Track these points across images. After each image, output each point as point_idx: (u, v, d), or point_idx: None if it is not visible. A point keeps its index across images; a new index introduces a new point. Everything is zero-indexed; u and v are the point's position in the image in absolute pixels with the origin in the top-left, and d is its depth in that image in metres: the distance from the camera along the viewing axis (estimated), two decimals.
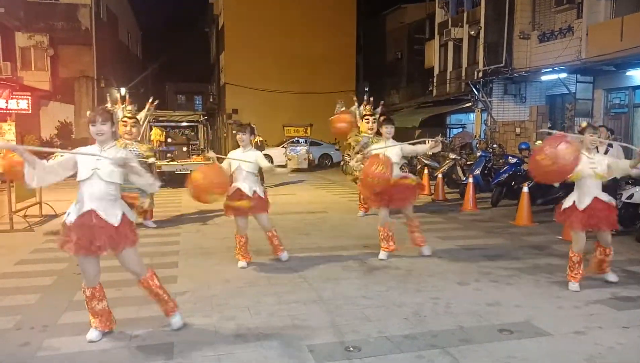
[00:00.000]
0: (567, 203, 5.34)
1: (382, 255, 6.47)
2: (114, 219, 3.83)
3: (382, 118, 7.22)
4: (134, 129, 8.13)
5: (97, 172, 3.77)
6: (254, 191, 5.96)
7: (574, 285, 5.28)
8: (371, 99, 10.28)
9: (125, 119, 8.18)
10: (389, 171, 5.90)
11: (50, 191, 13.00)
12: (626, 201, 7.89)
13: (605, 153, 8.09)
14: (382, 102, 10.68)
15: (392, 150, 6.34)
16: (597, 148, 5.36)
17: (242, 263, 6.15)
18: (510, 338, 4.06)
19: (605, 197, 5.21)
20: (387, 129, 6.46)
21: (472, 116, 20.03)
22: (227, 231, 8.52)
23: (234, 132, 8.59)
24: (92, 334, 4.01)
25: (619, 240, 7.77)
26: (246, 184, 5.94)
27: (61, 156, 4.01)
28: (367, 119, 9.83)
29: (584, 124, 5.49)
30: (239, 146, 6.10)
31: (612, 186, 8.07)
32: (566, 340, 4.02)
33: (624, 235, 7.96)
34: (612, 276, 5.52)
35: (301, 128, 22.84)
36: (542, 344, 3.95)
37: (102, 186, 3.80)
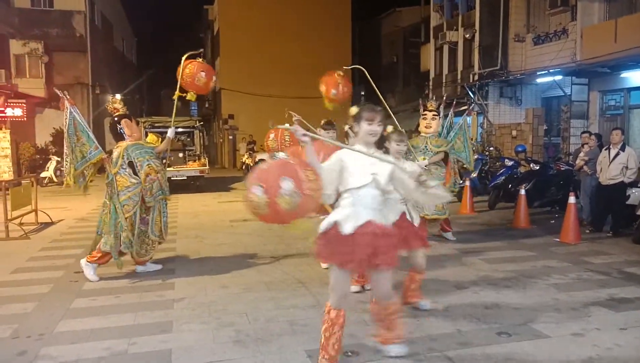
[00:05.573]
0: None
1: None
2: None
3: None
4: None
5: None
6: None
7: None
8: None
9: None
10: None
11: (45, 199, 13.01)
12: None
13: (616, 156, 8.05)
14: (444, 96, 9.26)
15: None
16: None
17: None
18: (508, 341, 4.05)
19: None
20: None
21: (468, 119, 20.10)
22: (224, 237, 8.51)
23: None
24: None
25: (616, 241, 7.81)
26: None
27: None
28: (425, 115, 7.70)
29: (389, 129, 4.24)
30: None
31: (621, 188, 8.07)
32: (564, 342, 4.02)
33: (621, 237, 7.99)
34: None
35: None
36: (541, 346, 3.95)
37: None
